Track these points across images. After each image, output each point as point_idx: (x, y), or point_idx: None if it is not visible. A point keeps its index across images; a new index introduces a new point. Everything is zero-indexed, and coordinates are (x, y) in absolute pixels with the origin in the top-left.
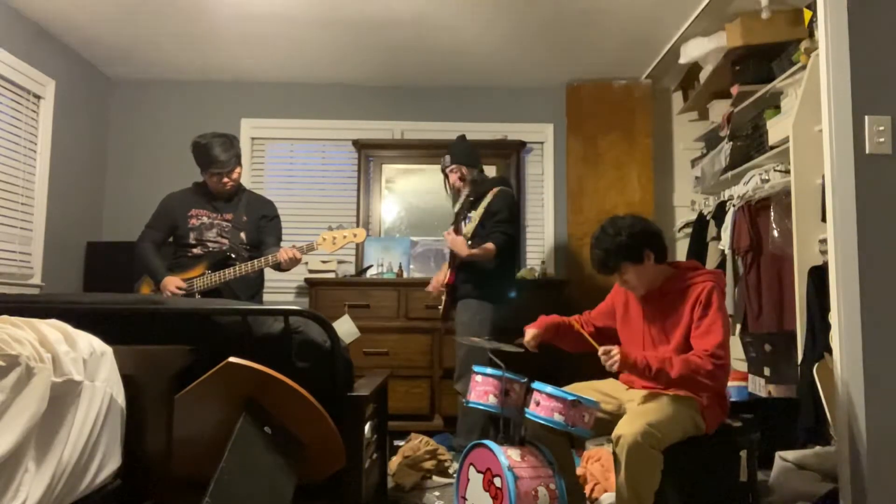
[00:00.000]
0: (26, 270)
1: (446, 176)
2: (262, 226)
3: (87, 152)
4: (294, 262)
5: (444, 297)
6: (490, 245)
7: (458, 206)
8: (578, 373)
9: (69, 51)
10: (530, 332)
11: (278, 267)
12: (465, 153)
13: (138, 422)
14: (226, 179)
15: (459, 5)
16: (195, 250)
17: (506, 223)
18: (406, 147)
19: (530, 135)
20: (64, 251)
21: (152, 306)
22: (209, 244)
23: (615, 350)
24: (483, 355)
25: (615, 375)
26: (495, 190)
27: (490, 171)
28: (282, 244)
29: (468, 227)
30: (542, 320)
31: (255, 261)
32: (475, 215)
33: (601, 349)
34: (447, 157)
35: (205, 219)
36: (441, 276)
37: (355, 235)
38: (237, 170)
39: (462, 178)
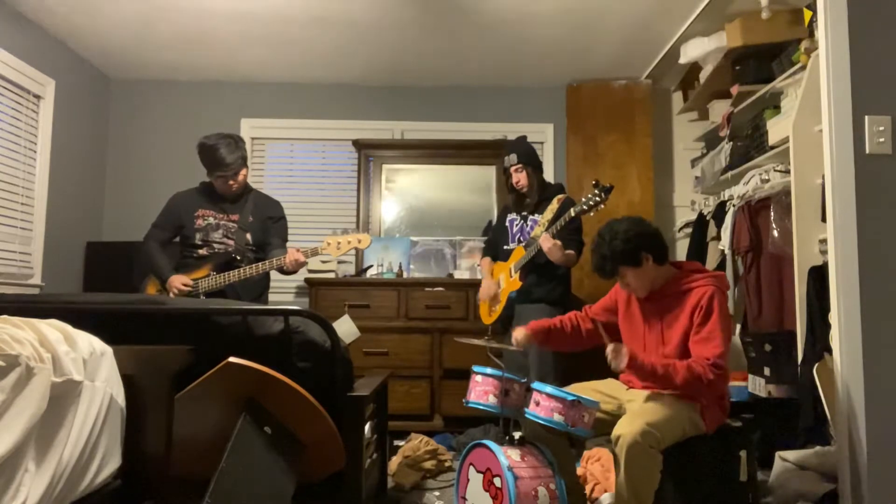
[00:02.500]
0: (26, 270)
1: (509, 174)
2: (267, 227)
3: (87, 152)
4: (299, 265)
5: (499, 301)
6: (572, 252)
7: (521, 206)
8: (578, 373)
9: (69, 51)
10: (521, 332)
11: (281, 270)
12: (532, 154)
13: (138, 422)
14: (231, 182)
15: (459, 5)
16: (201, 251)
17: (580, 232)
18: (406, 147)
19: (530, 135)
20: (64, 251)
21: (152, 306)
22: (215, 245)
23: (625, 349)
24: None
25: (615, 375)
26: (561, 197)
27: (489, 171)
28: (286, 245)
29: (537, 231)
30: (532, 325)
31: (260, 264)
32: (543, 220)
33: (610, 346)
34: (513, 156)
35: (211, 219)
36: (492, 283)
37: (360, 241)
38: (243, 171)
39: (529, 179)
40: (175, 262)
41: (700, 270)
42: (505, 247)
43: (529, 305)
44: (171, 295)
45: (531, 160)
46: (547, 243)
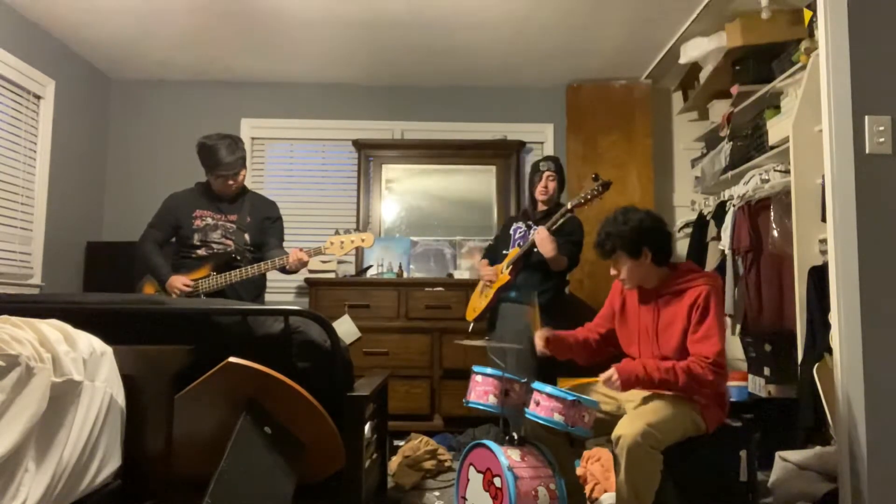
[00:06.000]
0: (26, 270)
1: (539, 178)
2: (265, 227)
3: (87, 152)
4: (302, 265)
5: (488, 296)
6: (564, 257)
7: (530, 215)
8: (578, 373)
9: (69, 51)
10: (542, 334)
11: (284, 269)
12: (563, 174)
13: (138, 422)
14: (231, 182)
15: (460, 5)
16: (200, 251)
17: (577, 245)
18: (406, 147)
19: (530, 135)
20: (64, 251)
21: (152, 306)
22: (214, 245)
23: (614, 375)
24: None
25: (603, 364)
26: (564, 210)
27: (490, 170)
28: (283, 245)
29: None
30: (556, 334)
31: (262, 263)
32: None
33: (601, 378)
34: (552, 163)
35: (209, 220)
36: (490, 268)
37: (363, 240)
38: (242, 172)
39: (553, 193)
40: (172, 263)
41: (694, 270)
42: (504, 251)
43: (515, 305)
44: (172, 296)
45: (562, 177)
46: (540, 234)
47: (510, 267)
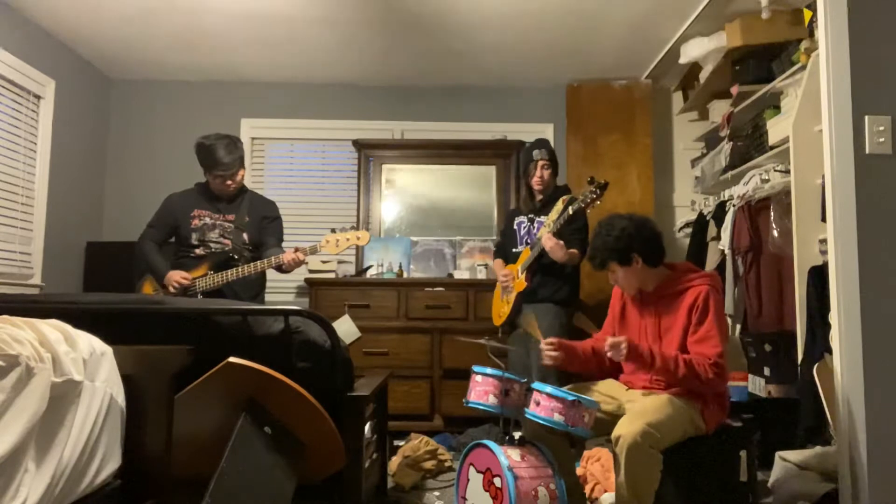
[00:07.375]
0: (26, 270)
1: (533, 168)
2: (263, 227)
3: (87, 152)
4: (297, 263)
5: (510, 301)
6: (575, 251)
7: (529, 205)
8: (579, 374)
9: (69, 51)
10: (551, 341)
11: (280, 268)
12: (556, 158)
13: (138, 422)
14: (229, 182)
15: (460, 5)
16: (198, 251)
17: (584, 231)
18: (406, 147)
19: (530, 135)
20: (64, 251)
21: (152, 306)
22: (212, 245)
23: (623, 341)
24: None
25: (615, 376)
26: (566, 198)
27: (489, 170)
28: (282, 244)
29: (542, 231)
30: (562, 341)
31: (258, 262)
32: (548, 220)
33: (609, 340)
34: (544, 151)
35: (207, 219)
36: (505, 269)
37: (359, 238)
38: (241, 172)
39: (549, 179)
40: (171, 262)
41: (693, 270)
42: (514, 250)
43: (536, 305)
44: (171, 289)
45: (555, 162)
46: (549, 242)
47: (525, 272)
